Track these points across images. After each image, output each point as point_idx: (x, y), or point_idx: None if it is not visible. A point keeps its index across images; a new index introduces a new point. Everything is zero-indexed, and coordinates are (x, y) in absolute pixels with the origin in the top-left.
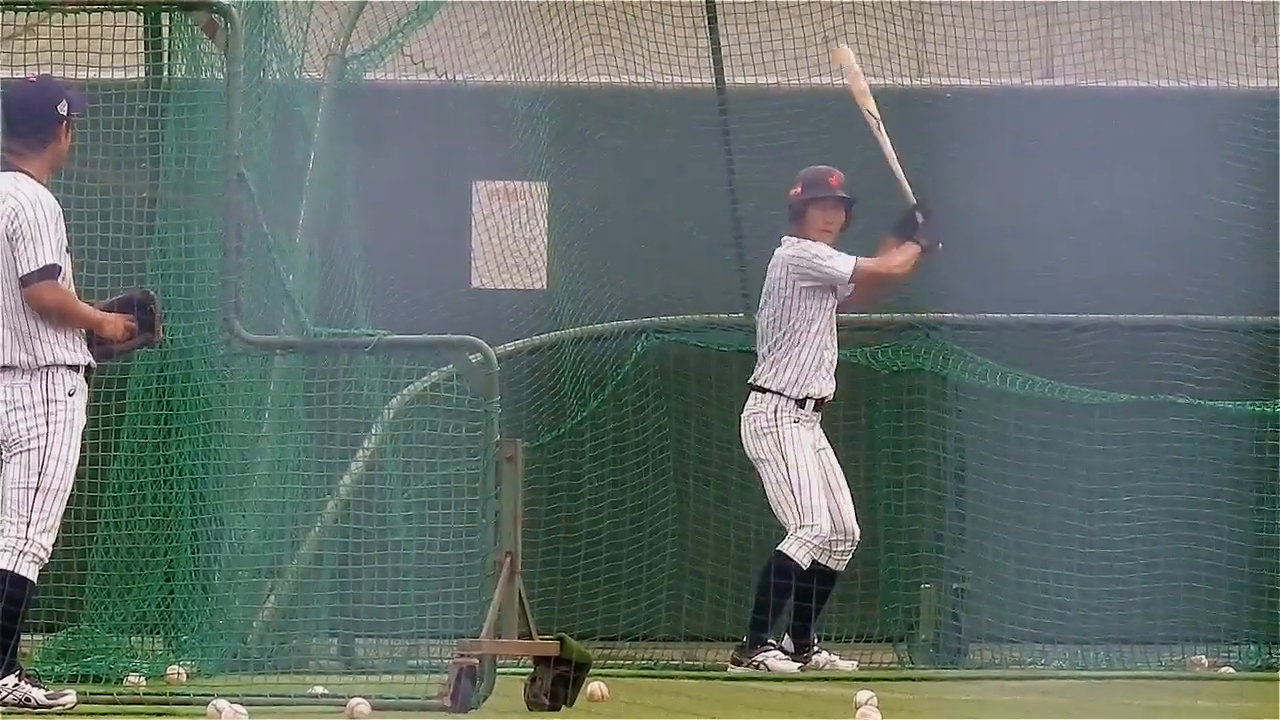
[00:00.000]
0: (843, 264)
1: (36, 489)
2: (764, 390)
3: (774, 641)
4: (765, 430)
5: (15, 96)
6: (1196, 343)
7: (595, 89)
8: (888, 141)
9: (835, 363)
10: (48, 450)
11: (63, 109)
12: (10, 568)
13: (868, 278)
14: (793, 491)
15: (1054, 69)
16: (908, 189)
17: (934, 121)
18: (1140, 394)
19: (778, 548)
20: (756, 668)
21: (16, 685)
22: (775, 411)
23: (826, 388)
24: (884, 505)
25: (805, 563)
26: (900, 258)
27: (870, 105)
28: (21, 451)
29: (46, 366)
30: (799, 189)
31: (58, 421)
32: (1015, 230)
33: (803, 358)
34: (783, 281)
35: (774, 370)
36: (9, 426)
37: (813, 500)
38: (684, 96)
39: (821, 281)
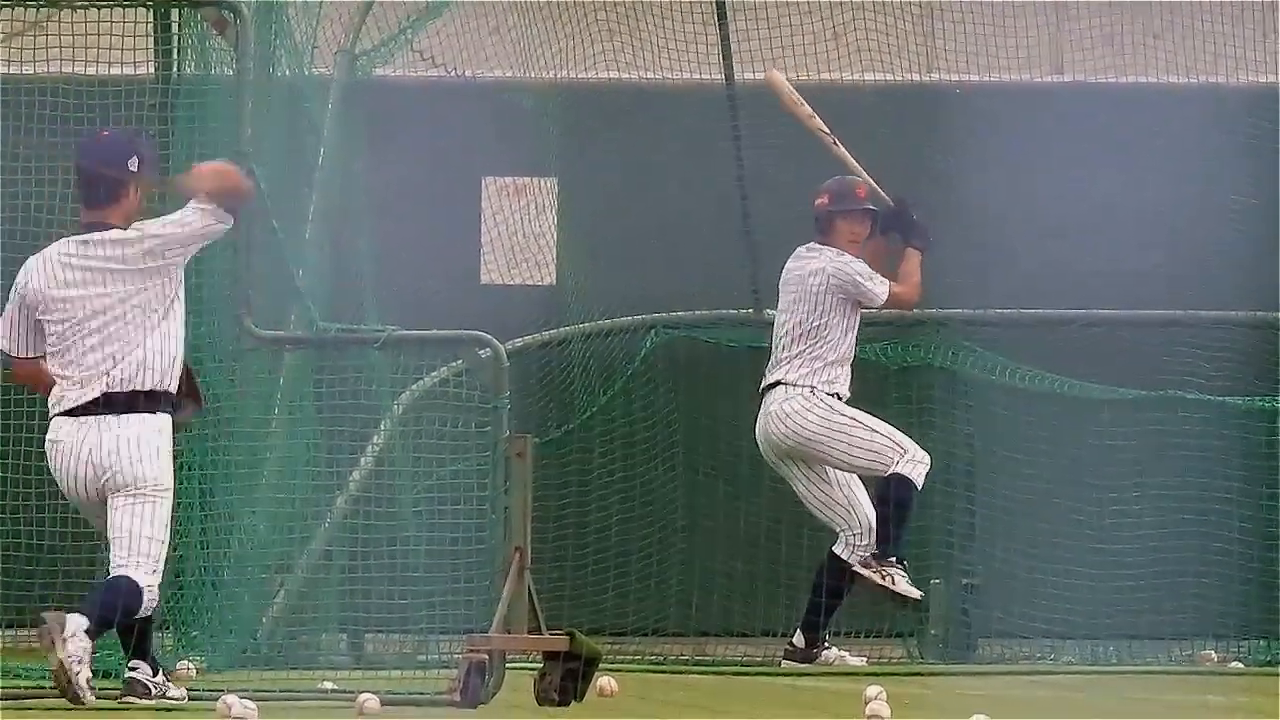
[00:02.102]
0: (880, 289)
1: None
2: (795, 385)
3: (905, 564)
4: (807, 409)
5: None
6: (1205, 338)
7: (604, 85)
8: (845, 152)
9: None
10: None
11: (133, 165)
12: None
13: (897, 303)
14: (873, 434)
15: (1063, 65)
16: (881, 192)
17: (943, 117)
18: (1149, 389)
19: (894, 470)
20: (883, 579)
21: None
22: (813, 392)
23: (848, 389)
24: None
25: (920, 480)
26: (916, 275)
27: (818, 123)
28: None
29: None
30: (826, 199)
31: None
32: (1024, 225)
33: (832, 360)
34: (822, 291)
35: (805, 369)
36: None
37: (894, 432)
38: (693, 92)
39: (857, 298)
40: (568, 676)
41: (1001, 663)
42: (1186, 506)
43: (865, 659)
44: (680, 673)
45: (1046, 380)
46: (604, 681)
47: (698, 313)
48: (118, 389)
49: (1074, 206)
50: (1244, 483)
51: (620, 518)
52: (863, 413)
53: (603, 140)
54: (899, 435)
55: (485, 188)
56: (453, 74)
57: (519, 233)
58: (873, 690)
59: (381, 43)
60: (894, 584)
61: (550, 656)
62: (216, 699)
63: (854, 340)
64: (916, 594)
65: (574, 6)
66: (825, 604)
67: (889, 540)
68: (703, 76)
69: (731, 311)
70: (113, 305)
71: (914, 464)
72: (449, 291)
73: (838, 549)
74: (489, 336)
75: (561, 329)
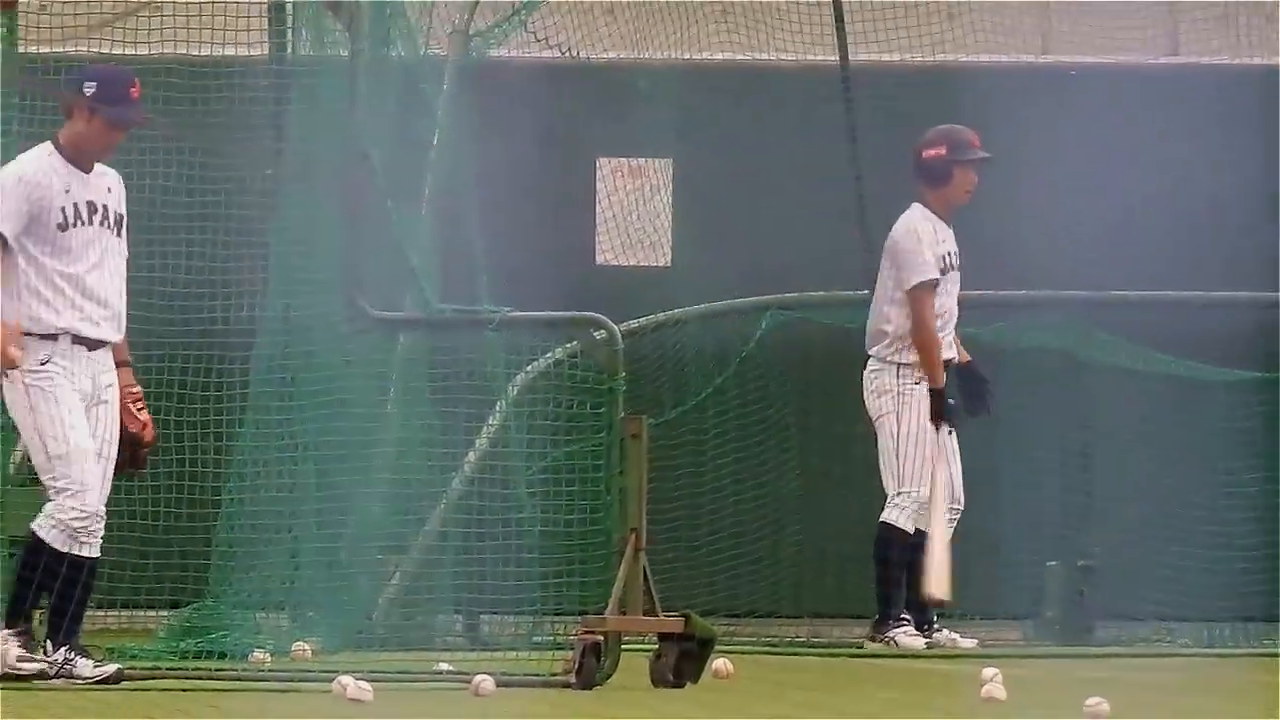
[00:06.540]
0: (919, 277)
1: (47, 458)
2: (887, 361)
3: (907, 617)
4: (885, 389)
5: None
6: None
7: (719, 66)
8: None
9: (955, 321)
10: (34, 424)
11: (88, 89)
12: (44, 539)
13: (914, 306)
14: (897, 442)
15: (1178, 47)
16: None
17: (1058, 98)
18: (1264, 371)
19: (886, 508)
20: (887, 644)
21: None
22: (897, 373)
23: (947, 353)
24: (1008, 482)
25: (906, 524)
26: (931, 342)
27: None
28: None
29: (24, 334)
30: (944, 150)
31: (34, 392)
32: (1148, 207)
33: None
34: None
35: (895, 347)
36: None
37: (911, 456)
38: (807, 72)
39: (896, 270)
40: (683, 658)
41: (1117, 645)
42: None
43: (976, 641)
44: (795, 655)
45: (1161, 361)
46: (719, 663)
47: (813, 294)
48: None
49: (1201, 188)
50: None
51: (734, 499)
52: (912, 414)
53: (718, 121)
54: (912, 462)
55: (600, 168)
56: (567, 55)
57: (634, 213)
58: (989, 672)
59: (496, 23)
60: (897, 646)
61: (665, 638)
62: (332, 680)
63: (945, 299)
64: (920, 645)
65: None
66: (884, 578)
67: (881, 600)
68: (816, 57)
69: (847, 292)
70: None
71: (899, 509)
72: (564, 272)
73: (885, 515)
74: (604, 318)
75: (676, 310)
